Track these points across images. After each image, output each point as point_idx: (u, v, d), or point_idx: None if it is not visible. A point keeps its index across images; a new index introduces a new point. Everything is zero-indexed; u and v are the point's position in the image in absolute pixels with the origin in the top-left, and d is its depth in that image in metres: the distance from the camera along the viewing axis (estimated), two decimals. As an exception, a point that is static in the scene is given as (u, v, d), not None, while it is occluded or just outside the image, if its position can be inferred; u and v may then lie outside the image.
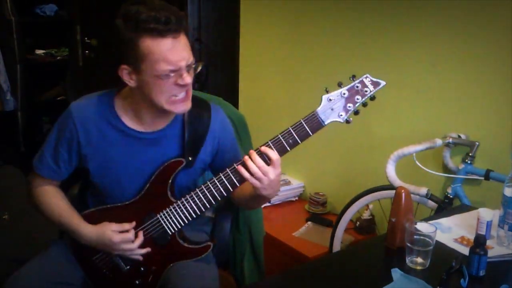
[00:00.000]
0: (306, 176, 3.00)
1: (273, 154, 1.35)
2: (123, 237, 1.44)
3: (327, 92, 1.36)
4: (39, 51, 4.35)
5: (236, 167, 1.37)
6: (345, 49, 2.63)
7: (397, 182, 1.95)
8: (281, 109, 3.08)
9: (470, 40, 2.11)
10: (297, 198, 3.00)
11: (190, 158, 1.48)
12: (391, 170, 1.98)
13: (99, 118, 1.46)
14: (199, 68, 1.39)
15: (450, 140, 2.06)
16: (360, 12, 2.52)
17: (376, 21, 2.45)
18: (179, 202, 1.45)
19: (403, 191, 1.47)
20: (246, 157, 1.35)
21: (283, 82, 3.04)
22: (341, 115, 1.36)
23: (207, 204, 1.44)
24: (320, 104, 1.36)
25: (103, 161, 1.48)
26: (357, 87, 1.36)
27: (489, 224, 1.50)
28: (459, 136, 2.12)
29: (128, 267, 1.50)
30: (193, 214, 1.45)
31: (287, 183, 2.96)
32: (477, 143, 2.06)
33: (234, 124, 1.75)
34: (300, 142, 1.38)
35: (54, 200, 1.53)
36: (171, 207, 1.46)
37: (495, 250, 1.47)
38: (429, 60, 2.27)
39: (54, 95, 4.36)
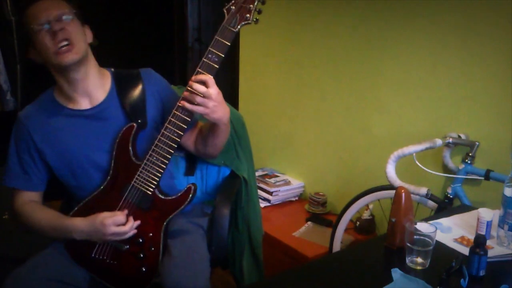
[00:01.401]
0: (306, 176, 3.00)
1: (204, 76, 1.42)
2: (114, 219, 1.46)
3: (225, 5, 1.45)
4: (39, 51, 4.34)
5: (178, 103, 1.44)
6: (345, 49, 2.63)
7: (397, 182, 1.95)
8: (281, 110, 3.08)
9: (470, 40, 2.11)
10: (297, 198, 3.00)
11: (139, 120, 1.55)
12: (391, 170, 1.98)
13: (45, 112, 1.57)
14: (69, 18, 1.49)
15: (450, 140, 2.06)
16: (360, 13, 2.52)
17: (376, 21, 2.45)
18: (144, 161, 1.50)
19: (403, 191, 1.47)
20: (185, 92, 1.43)
21: (283, 82, 3.04)
22: (247, 17, 1.43)
23: (171, 150, 1.48)
24: (225, 18, 1.43)
25: (61, 151, 1.54)
26: None
27: (489, 224, 1.50)
28: (459, 136, 2.12)
29: (127, 246, 1.52)
30: (163, 165, 1.49)
31: (287, 183, 2.96)
32: (477, 143, 2.06)
33: (232, 124, 1.76)
34: (222, 55, 1.44)
35: (39, 212, 1.57)
36: (140, 169, 1.50)
37: (495, 250, 1.47)
38: (429, 60, 2.27)
39: (54, 95, 4.36)
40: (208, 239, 1.66)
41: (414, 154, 2.01)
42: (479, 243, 1.32)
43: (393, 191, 1.52)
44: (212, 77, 1.43)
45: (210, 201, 1.83)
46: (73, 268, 1.54)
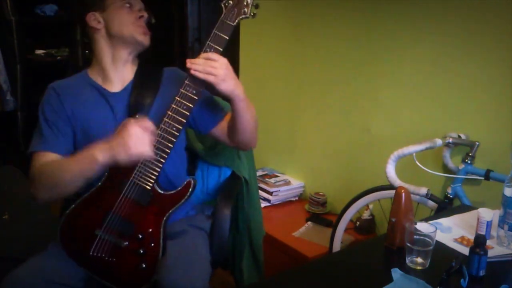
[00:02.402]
0: (306, 176, 3.00)
1: (210, 53, 1.44)
2: (140, 123, 1.40)
3: (223, 1, 1.49)
4: (39, 51, 4.34)
5: (186, 81, 1.46)
6: (345, 49, 2.63)
7: (397, 182, 1.95)
8: (281, 110, 3.08)
9: (470, 40, 2.11)
10: (297, 198, 3.00)
11: (137, 116, 1.53)
12: (391, 170, 1.98)
13: (77, 86, 1.63)
14: (152, 20, 1.65)
15: (450, 140, 2.06)
16: (360, 13, 2.52)
17: (376, 21, 2.46)
18: None
19: (403, 191, 1.47)
20: (188, 61, 1.43)
21: (283, 83, 3.04)
22: (245, 11, 1.47)
23: (169, 144, 1.48)
24: (222, 12, 1.48)
25: (85, 124, 1.57)
26: None
27: (489, 224, 1.50)
28: (459, 136, 2.12)
29: (126, 242, 1.51)
30: (162, 160, 1.48)
31: (287, 183, 2.97)
32: (477, 143, 2.06)
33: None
34: (221, 49, 1.46)
35: (60, 161, 1.52)
36: (139, 164, 1.48)
37: (495, 250, 1.47)
38: (429, 60, 2.27)
39: (54, 95, 4.35)
40: (210, 241, 1.66)
41: (414, 154, 2.01)
42: (479, 243, 1.32)
43: (393, 191, 1.52)
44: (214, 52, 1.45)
45: (211, 202, 1.83)
46: (70, 268, 1.53)
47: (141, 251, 1.52)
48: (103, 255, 1.52)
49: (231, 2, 1.47)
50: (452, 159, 2.19)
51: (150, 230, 1.52)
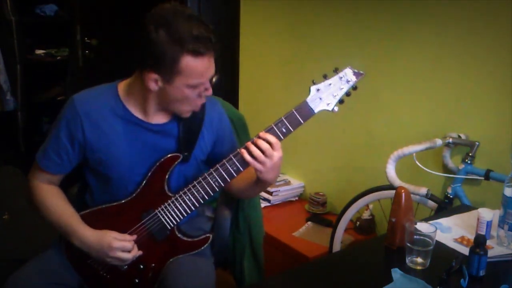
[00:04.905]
0: (306, 176, 3.00)
1: (272, 138, 1.39)
2: (123, 245, 1.44)
3: (314, 83, 1.44)
4: (39, 51, 4.34)
5: (239, 151, 1.40)
6: (346, 49, 2.63)
7: (397, 182, 1.95)
8: (281, 110, 3.07)
9: (470, 40, 2.11)
10: (297, 198, 2.99)
11: (186, 153, 1.50)
12: (391, 170, 1.98)
13: (104, 107, 1.47)
14: (214, 80, 1.46)
15: (450, 140, 2.06)
16: (360, 13, 2.52)
17: (376, 21, 2.45)
18: (177, 196, 1.47)
19: (403, 191, 1.47)
20: (249, 143, 1.38)
21: (283, 82, 3.04)
22: (329, 104, 1.45)
23: (206, 196, 1.46)
24: (309, 94, 1.43)
25: (108, 151, 1.47)
26: (341, 77, 1.45)
27: (489, 224, 1.51)
28: (459, 136, 2.12)
29: (126, 267, 1.50)
30: (192, 207, 1.47)
31: (287, 183, 2.96)
32: (477, 143, 2.06)
33: (233, 124, 1.76)
34: (292, 130, 1.44)
35: (54, 199, 1.52)
36: (169, 201, 1.47)
37: (495, 250, 1.47)
38: (429, 60, 2.27)
39: (54, 95, 4.36)
40: (211, 241, 1.66)
41: (414, 154, 2.01)
42: (479, 243, 1.32)
43: (393, 191, 1.53)
44: (279, 142, 1.40)
45: (212, 202, 1.83)
46: (70, 273, 1.52)
47: (136, 281, 1.51)
48: (99, 268, 1.51)
49: (321, 89, 1.43)
50: (452, 159, 2.19)
51: (153, 265, 1.51)
